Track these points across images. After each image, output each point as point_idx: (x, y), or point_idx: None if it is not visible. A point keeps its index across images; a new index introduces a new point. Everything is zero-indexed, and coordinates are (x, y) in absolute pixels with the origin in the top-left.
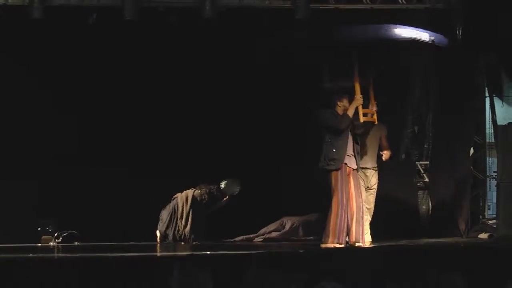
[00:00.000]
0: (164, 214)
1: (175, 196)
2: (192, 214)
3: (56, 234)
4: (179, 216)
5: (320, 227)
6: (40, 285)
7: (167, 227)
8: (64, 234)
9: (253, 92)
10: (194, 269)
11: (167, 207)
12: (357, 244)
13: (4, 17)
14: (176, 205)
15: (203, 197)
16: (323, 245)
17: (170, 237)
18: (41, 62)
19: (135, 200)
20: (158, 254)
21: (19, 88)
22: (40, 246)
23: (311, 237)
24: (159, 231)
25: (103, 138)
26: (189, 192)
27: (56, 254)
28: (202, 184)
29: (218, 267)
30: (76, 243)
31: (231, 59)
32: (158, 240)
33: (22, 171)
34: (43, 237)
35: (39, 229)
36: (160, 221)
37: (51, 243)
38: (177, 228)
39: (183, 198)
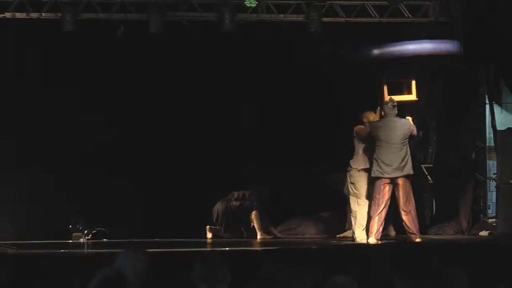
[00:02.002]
0: (218, 207)
1: (232, 192)
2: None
3: (86, 231)
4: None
5: (331, 225)
6: (70, 279)
7: (218, 219)
8: (94, 232)
9: (276, 97)
10: (213, 264)
11: (221, 201)
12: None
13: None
14: (229, 201)
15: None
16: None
17: (222, 231)
18: (72, 70)
19: (161, 198)
20: (181, 250)
21: (51, 93)
22: (71, 242)
23: (325, 236)
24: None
25: (131, 139)
26: (246, 192)
27: (86, 250)
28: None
29: (237, 262)
30: (104, 239)
31: (250, 69)
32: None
33: (53, 169)
34: (74, 234)
35: (70, 226)
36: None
37: (81, 240)
38: (227, 222)
39: (239, 195)
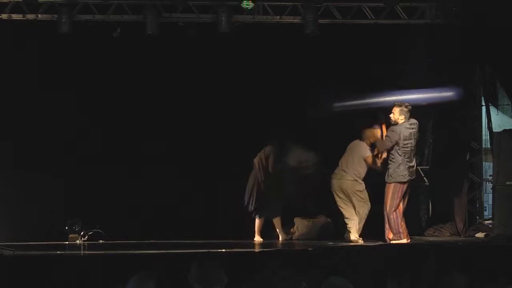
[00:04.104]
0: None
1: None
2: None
3: (82, 233)
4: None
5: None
6: (67, 280)
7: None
8: (90, 233)
9: (272, 98)
10: (210, 265)
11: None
12: None
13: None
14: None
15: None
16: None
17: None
18: (69, 71)
19: (158, 199)
20: (177, 251)
21: (48, 94)
22: (68, 244)
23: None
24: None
25: (129, 139)
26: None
27: (82, 252)
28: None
29: (233, 263)
30: (101, 241)
31: (245, 69)
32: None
33: (49, 171)
34: (70, 235)
35: (66, 228)
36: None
37: (78, 241)
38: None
39: (258, 159)
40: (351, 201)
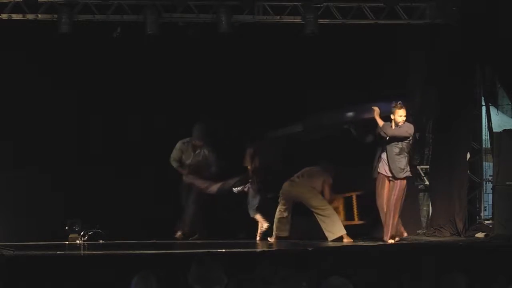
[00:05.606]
0: None
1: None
2: None
3: (82, 233)
4: None
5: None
6: (67, 280)
7: None
8: (90, 233)
9: (272, 98)
10: (210, 266)
11: None
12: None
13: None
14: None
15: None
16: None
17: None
18: (69, 71)
19: (158, 199)
20: (177, 251)
21: (48, 94)
22: (68, 244)
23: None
24: None
25: (128, 140)
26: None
27: (82, 252)
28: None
29: (233, 263)
30: (101, 241)
31: (244, 69)
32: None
33: (49, 171)
34: (70, 235)
35: (66, 228)
36: None
37: (78, 241)
38: None
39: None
40: (290, 209)
